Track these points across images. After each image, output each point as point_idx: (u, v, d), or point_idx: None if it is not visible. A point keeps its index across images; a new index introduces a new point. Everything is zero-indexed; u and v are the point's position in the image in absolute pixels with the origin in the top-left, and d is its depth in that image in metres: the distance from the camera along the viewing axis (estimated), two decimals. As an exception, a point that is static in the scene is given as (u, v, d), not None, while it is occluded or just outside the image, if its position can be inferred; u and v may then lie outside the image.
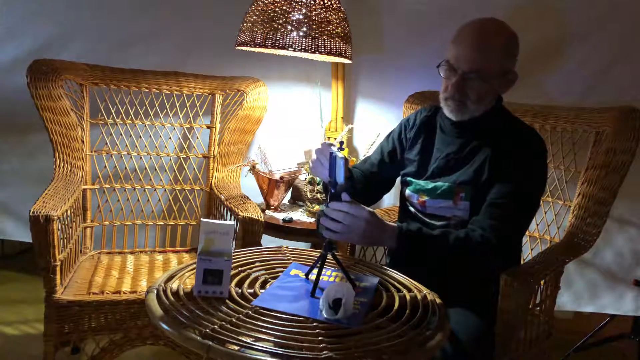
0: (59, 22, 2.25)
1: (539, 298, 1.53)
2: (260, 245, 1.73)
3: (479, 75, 1.35)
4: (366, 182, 1.60)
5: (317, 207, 2.12)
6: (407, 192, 1.54)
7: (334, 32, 1.85)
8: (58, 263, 1.60)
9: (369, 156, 1.69)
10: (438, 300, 1.27)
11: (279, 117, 2.39)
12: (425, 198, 1.48)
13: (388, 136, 1.66)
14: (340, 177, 1.26)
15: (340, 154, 1.25)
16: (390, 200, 2.41)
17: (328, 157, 1.28)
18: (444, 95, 1.43)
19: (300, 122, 2.43)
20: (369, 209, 1.26)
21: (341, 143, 1.29)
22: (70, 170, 1.97)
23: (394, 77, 2.34)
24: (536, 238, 1.92)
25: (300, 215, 2.13)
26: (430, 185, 1.47)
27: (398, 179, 1.64)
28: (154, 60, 2.22)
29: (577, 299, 2.27)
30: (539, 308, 1.57)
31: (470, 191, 1.41)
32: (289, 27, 1.79)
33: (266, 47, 1.81)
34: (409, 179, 1.54)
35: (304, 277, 1.32)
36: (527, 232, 1.85)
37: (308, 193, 2.18)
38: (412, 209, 1.54)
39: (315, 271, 1.28)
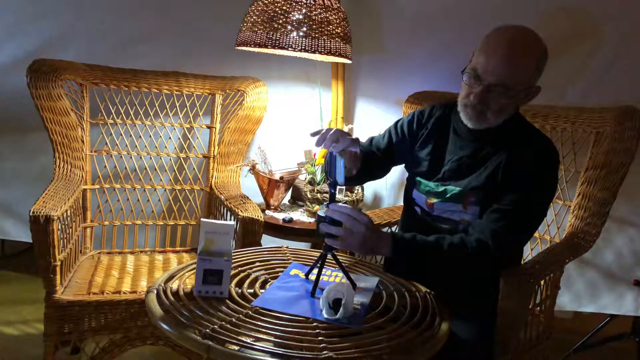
0: (58, 22, 2.25)
1: (539, 298, 1.53)
2: (260, 245, 1.73)
3: (505, 90, 1.32)
4: (363, 161, 1.53)
5: (317, 207, 2.12)
6: (415, 192, 1.52)
7: (334, 32, 1.84)
8: (58, 263, 1.60)
9: (374, 137, 1.64)
10: (438, 300, 1.28)
11: (279, 117, 2.38)
12: (434, 200, 1.46)
13: (396, 124, 1.61)
14: (341, 177, 1.26)
15: (339, 154, 1.25)
16: (390, 200, 2.41)
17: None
18: (464, 101, 1.38)
19: (300, 122, 2.42)
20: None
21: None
22: (70, 170, 1.97)
23: (394, 77, 2.34)
24: (536, 238, 1.92)
25: (300, 215, 2.13)
26: (441, 188, 1.45)
27: (398, 178, 1.62)
28: (154, 60, 2.22)
29: (577, 299, 2.26)
30: (539, 308, 1.57)
31: (480, 196, 1.39)
32: (289, 27, 1.79)
33: (266, 47, 1.81)
34: (418, 178, 1.51)
35: (304, 277, 1.32)
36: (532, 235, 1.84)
37: (308, 193, 2.18)
38: (417, 209, 1.52)
39: (315, 271, 1.28)
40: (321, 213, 1.25)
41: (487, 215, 1.35)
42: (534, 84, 1.37)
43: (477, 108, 1.35)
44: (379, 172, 1.64)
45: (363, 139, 2.36)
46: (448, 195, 1.43)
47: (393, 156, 1.60)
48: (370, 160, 1.56)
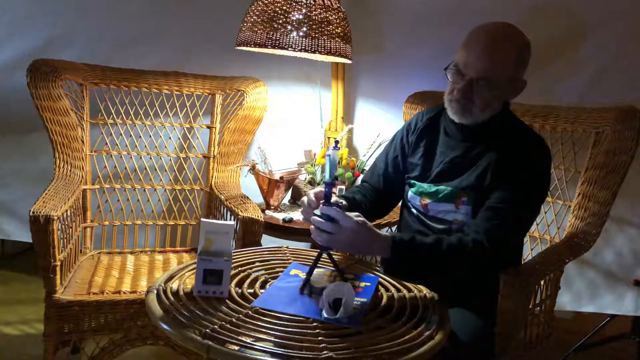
0: (58, 22, 2.25)
1: (539, 298, 1.53)
2: (260, 245, 1.73)
3: (487, 83, 1.33)
4: (377, 195, 1.59)
5: (317, 207, 2.12)
6: (410, 193, 1.53)
7: (334, 32, 1.85)
8: (58, 263, 1.60)
9: (376, 164, 1.66)
10: (438, 300, 1.28)
11: (279, 117, 2.38)
12: (427, 201, 1.47)
13: (391, 142, 1.63)
14: (333, 173, 1.25)
15: (333, 152, 1.25)
16: (390, 200, 2.41)
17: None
18: (449, 97, 1.40)
19: (300, 122, 2.42)
20: (361, 219, 1.22)
21: (336, 142, 1.29)
22: (70, 170, 1.97)
23: (394, 77, 2.34)
24: (536, 238, 1.92)
25: (300, 215, 2.13)
26: (433, 188, 1.46)
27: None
28: (154, 60, 2.22)
29: (577, 299, 2.26)
30: (539, 308, 1.57)
31: (472, 196, 1.39)
32: (289, 27, 1.79)
33: (266, 47, 1.81)
34: (412, 181, 1.53)
35: (304, 277, 1.32)
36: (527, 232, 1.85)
37: (308, 193, 2.18)
38: (414, 210, 1.53)
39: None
40: (317, 212, 1.25)
41: (481, 213, 1.36)
42: (519, 78, 1.38)
43: (462, 103, 1.37)
44: (396, 197, 1.64)
45: (363, 139, 2.39)
46: (440, 196, 1.44)
47: (395, 176, 1.60)
48: (383, 193, 1.60)
